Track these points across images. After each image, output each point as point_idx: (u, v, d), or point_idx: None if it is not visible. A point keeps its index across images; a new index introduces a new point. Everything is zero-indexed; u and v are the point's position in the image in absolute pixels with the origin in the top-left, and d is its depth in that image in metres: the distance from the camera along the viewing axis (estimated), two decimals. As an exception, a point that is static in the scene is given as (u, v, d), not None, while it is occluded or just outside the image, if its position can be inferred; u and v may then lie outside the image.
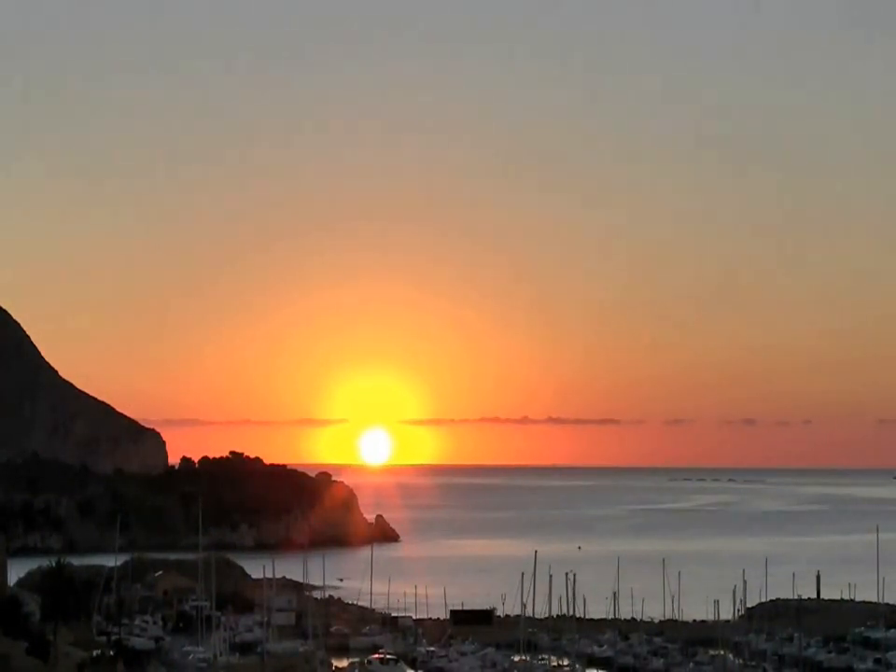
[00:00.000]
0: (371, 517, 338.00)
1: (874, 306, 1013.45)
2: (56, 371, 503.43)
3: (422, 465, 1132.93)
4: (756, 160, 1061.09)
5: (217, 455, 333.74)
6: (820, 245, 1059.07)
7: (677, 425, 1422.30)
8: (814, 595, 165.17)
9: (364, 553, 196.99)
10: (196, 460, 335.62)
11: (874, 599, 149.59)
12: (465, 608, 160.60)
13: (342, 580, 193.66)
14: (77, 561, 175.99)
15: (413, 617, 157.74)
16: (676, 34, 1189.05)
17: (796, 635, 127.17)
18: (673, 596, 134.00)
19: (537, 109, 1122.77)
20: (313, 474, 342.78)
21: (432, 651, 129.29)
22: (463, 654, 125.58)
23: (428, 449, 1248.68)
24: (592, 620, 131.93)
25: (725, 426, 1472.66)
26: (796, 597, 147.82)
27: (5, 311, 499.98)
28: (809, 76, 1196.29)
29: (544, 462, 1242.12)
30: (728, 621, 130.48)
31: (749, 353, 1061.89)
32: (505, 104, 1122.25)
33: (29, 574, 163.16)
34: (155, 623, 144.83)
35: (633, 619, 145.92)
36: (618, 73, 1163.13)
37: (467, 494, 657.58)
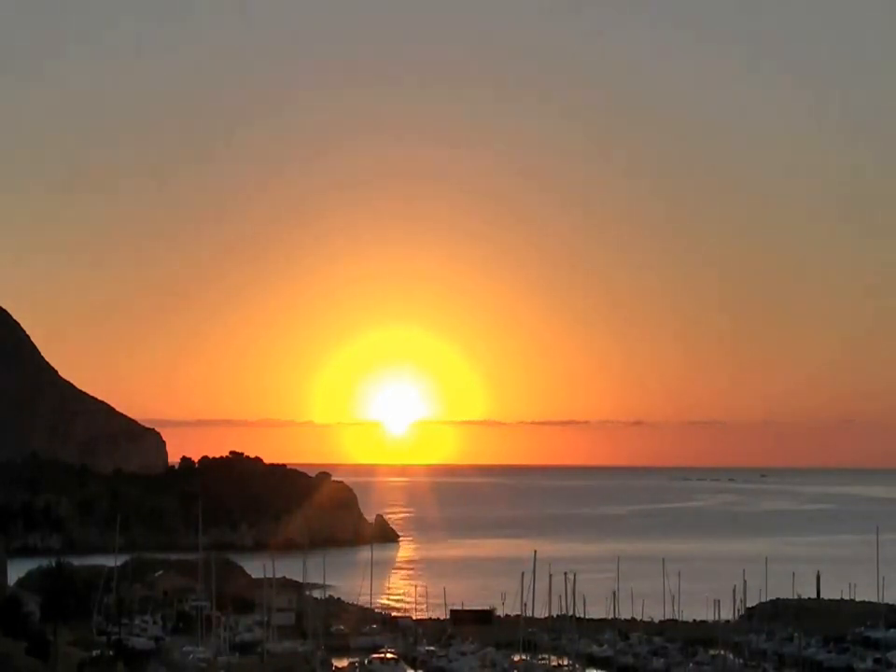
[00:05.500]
0: (371, 517, 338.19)
1: (843, 308, 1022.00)
2: (56, 371, 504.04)
3: (406, 465, 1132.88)
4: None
5: (217, 455, 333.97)
6: (793, 249, 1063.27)
7: (639, 426, 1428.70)
8: (814, 595, 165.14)
9: (364, 552, 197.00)
10: (196, 460, 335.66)
11: (874, 599, 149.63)
12: (465, 608, 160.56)
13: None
14: (77, 561, 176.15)
15: (413, 617, 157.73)
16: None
17: (796, 635, 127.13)
18: (673, 596, 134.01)
19: (587, 81, 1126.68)
20: (313, 474, 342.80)
21: (432, 651, 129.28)
22: (463, 654, 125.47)
23: (414, 450, 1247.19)
24: (592, 620, 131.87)
25: (690, 426, 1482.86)
26: (796, 597, 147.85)
27: (5, 311, 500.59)
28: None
29: (516, 462, 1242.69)
30: (728, 621, 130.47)
31: (716, 355, 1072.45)
32: (555, 76, 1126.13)
33: (29, 574, 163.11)
34: (155, 622, 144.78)
35: (633, 619, 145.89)
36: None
37: (470, 495, 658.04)
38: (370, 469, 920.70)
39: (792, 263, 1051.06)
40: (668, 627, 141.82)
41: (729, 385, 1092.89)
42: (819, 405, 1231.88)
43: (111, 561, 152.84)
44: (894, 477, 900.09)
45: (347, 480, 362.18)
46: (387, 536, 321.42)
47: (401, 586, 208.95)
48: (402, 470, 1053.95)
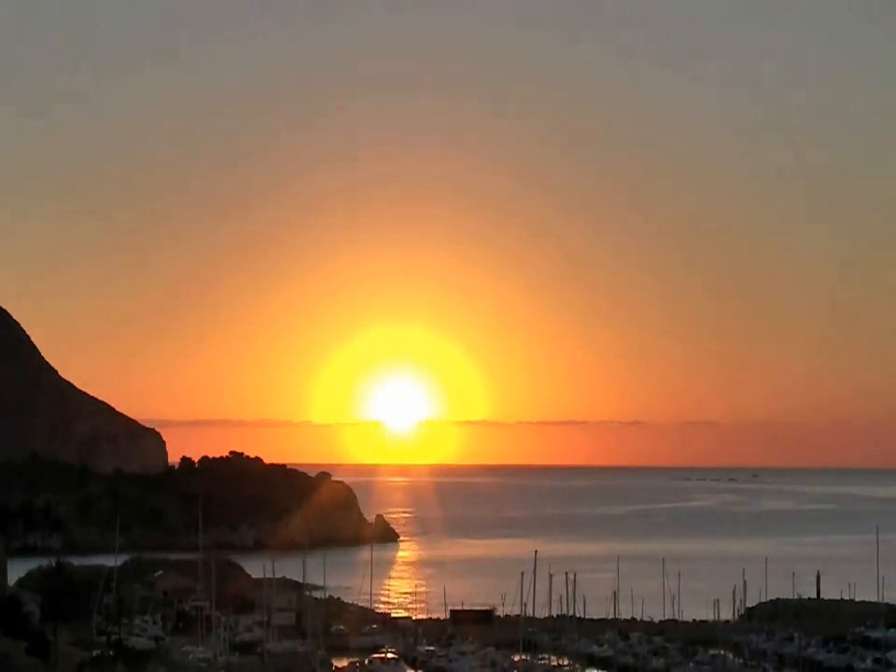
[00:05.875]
0: (371, 517, 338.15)
1: (842, 308, 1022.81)
2: (56, 371, 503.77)
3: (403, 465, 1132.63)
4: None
5: (217, 455, 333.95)
6: (792, 249, 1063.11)
7: (638, 426, 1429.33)
8: (814, 595, 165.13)
9: (364, 552, 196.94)
10: (196, 460, 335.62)
11: (874, 599, 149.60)
12: (465, 608, 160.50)
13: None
14: (77, 561, 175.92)
15: (413, 617, 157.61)
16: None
17: (796, 635, 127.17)
18: (673, 596, 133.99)
19: (586, 82, 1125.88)
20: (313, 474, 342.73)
21: (432, 651, 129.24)
22: (463, 654, 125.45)
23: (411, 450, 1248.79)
24: (592, 620, 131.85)
25: (689, 426, 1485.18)
26: (796, 597, 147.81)
27: (5, 311, 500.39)
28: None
29: (516, 462, 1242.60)
30: (728, 621, 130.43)
31: (715, 355, 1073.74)
32: (555, 78, 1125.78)
33: (29, 574, 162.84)
34: (155, 622, 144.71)
35: (633, 619, 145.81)
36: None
37: (473, 494, 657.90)
38: (370, 469, 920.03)
39: (791, 264, 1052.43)
40: (668, 627, 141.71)
41: (728, 385, 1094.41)
42: (817, 405, 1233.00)
43: (111, 561, 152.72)
44: (894, 477, 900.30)
45: (347, 480, 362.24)
46: (387, 536, 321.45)
47: (401, 586, 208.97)
48: (403, 470, 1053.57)
